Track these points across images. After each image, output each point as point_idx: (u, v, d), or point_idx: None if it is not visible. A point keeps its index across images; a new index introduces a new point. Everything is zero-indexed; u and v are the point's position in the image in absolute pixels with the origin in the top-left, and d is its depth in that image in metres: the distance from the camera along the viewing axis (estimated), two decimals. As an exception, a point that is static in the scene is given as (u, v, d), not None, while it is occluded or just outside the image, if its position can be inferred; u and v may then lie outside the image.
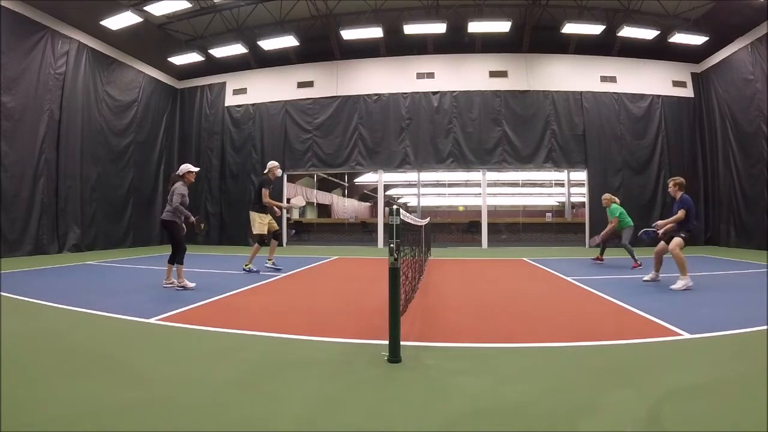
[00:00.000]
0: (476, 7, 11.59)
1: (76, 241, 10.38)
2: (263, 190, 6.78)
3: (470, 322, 3.68)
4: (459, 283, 6.15)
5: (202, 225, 5.82)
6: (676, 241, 5.22)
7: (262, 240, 6.87)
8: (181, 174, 5.37)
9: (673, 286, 5.05)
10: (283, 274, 6.71)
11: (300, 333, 3.21)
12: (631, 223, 7.89)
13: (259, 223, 6.73)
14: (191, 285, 5.10)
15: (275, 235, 7.08)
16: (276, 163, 7.09)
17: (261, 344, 3.00)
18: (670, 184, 5.65)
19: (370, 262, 8.91)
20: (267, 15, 12.14)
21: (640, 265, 7.06)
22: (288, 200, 6.95)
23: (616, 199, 8.26)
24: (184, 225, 5.36)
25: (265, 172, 7.04)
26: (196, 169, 5.53)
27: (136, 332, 3.31)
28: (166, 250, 5.59)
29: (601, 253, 8.24)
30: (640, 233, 6.12)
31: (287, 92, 13.82)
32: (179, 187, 5.25)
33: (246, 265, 6.75)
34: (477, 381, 2.29)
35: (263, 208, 6.78)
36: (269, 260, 7.11)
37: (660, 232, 5.54)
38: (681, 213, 5.30)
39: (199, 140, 14.33)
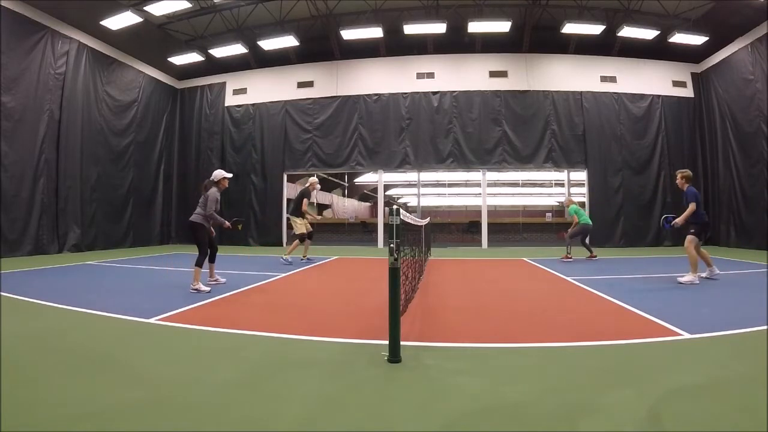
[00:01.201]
0: (476, 7, 11.59)
1: (76, 241, 10.38)
2: (304, 199, 8.24)
3: (470, 322, 3.68)
4: (459, 283, 6.15)
5: (239, 226, 5.93)
6: (688, 238, 5.53)
7: (303, 237, 8.35)
8: (216, 180, 5.40)
9: (680, 279, 5.36)
10: (283, 274, 6.72)
11: (300, 333, 3.21)
12: (588, 221, 8.80)
13: (300, 225, 8.29)
14: (205, 288, 4.97)
15: (309, 235, 8.55)
16: (316, 179, 8.61)
17: (261, 344, 3.00)
18: (678, 176, 5.87)
19: (370, 262, 8.91)
20: (267, 15, 12.15)
21: (570, 258, 8.49)
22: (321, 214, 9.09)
23: (574, 200, 9.30)
24: (212, 228, 5.45)
25: (307, 185, 8.47)
26: (230, 175, 5.63)
27: (136, 332, 3.31)
28: (166, 250, 5.64)
29: (568, 252, 8.84)
30: (661, 220, 6.25)
31: (287, 92, 13.81)
32: (213, 193, 5.26)
33: (303, 257, 8.43)
34: (477, 381, 2.30)
35: (301, 214, 8.27)
36: (303, 257, 8.57)
37: (676, 226, 5.79)
38: (692, 206, 5.50)
39: (199, 140, 14.32)
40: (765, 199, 10.33)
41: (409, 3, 11.77)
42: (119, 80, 12.17)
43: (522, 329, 3.44)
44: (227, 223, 5.50)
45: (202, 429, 1.77)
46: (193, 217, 5.25)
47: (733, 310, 3.93)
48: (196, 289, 4.92)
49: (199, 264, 5.08)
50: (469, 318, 3.85)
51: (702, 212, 5.65)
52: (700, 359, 2.63)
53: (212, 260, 5.51)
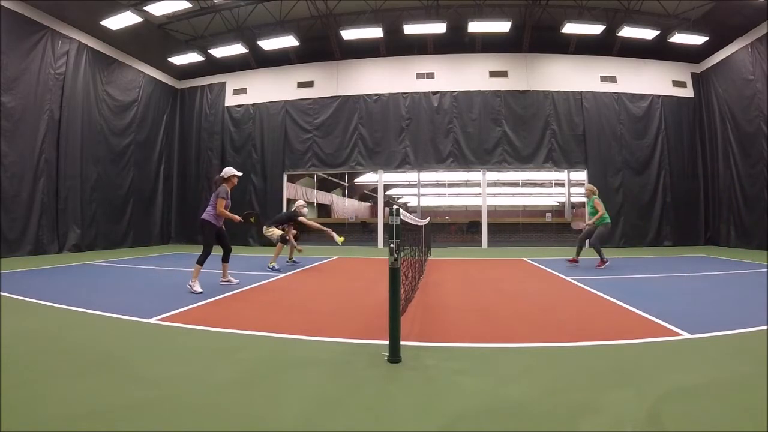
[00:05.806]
0: (476, 7, 11.59)
1: (76, 241, 10.38)
2: None
3: (470, 322, 3.68)
4: (459, 283, 6.15)
5: (252, 219, 6.10)
6: None
7: None
8: (225, 177, 5.40)
9: None
10: (284, 274, 6.71)
11: (300, 333, 3.21)
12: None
13: None
14: (197, 290, 4.86)
15: None
16: None
17: (261, 344, 3.00)
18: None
19: (370, 262, 8.91)
20: (267, 15, 12.15)
21: None
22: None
23: None
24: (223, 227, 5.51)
25: None
26: (240, 173, 5.59)
27: (136, 332, 3.31)
28: (166, 250, 5.64)
29: None
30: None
31: (287, 92, 13.82)
32: (221, 190, 5.29)
33: None
34: (477, 381, 2.30)
35: None
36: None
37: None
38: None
39: (199, 140, 14.32)
40: (765, 199, 10.33)
41: (409, 3, 11.78)
42: (119, 80, 12.17)
43: (522, 329, 3.44)
44: (237, 217, 5.50)
45: (202, 429, 1.76)
46: (203, 215, 5.31)
47: (732, 310, 3.93)
48: (190, 286, 4.91)
49: (199, 262, 5.06)
50: (470, 318, 3.85)
51: None
52: (700, 359, 2.62)
53: (225, 260, 5.57)
